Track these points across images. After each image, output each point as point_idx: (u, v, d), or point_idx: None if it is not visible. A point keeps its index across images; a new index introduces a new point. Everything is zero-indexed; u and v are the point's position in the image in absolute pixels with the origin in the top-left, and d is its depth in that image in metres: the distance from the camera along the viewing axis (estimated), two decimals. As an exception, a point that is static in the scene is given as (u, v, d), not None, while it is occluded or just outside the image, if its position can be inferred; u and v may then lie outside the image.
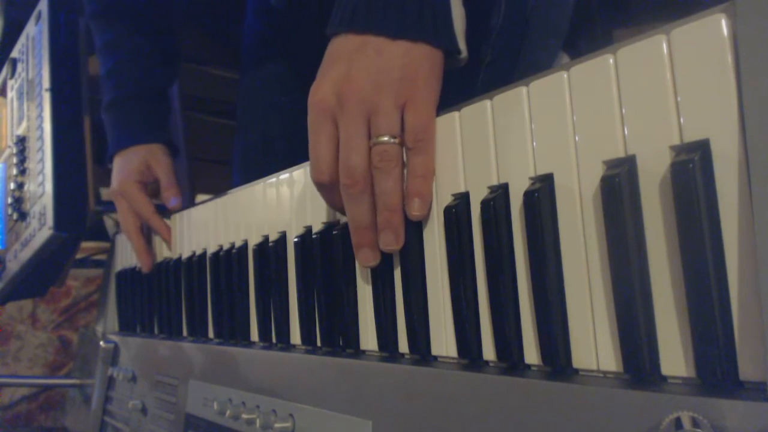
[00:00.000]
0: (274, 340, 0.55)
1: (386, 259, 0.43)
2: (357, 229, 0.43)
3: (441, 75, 0.42)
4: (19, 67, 1.07)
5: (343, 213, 0.43)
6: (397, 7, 0.41)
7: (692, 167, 0.27)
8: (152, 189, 0.83)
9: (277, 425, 0.47)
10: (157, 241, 0.81)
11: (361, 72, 0.41)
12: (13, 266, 0.99)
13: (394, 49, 0.41)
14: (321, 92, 0.42)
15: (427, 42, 0.41)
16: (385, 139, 0.40)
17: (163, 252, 0.80)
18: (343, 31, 0.43)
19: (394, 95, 0.40)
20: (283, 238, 0.55)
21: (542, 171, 0.35)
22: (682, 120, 0.29)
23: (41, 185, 0.91)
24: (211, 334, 0.66)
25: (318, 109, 0.42)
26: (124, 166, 0.82)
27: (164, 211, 0.81)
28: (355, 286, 0.46)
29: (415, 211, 0.40)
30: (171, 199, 0.80)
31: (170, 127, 0.89)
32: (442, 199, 0.40)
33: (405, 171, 0.42)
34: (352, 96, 0.40)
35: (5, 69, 1.12)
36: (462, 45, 0.43)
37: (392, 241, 0.41)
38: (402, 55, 0.41)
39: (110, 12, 0.88)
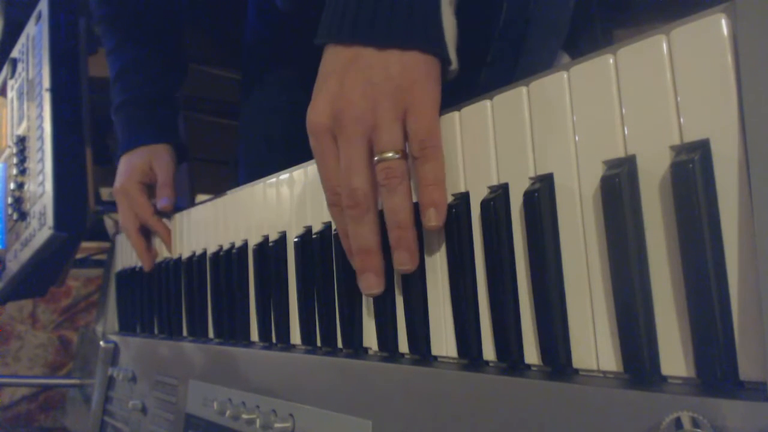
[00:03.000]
0: (274, 340, 0.55)
1: (386, 258, 0.43)
2: (360, 252, 0.41)
3: (439, 79, 0.41)
4: (19, 67, 1.07)
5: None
6: (385, 16, 0.39)
7: (692, 167, 0.27)
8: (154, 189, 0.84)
9: (277, 425, 0.47)
10: (157, 240, 0.81)
11: (355, 87, 0.39)
12: (13, 266, 0.99)
13: (386, 59, 0.39)
14: (317, 113, 0.41)
15: (418, 49, 0.39)
16: (389, 155, 0.39)
17: (163, 252, 0.80)
18: (331, 42, 0.41)
19: (393, 106, 0.39)
20: (283, 238, 0.55)
21: (542, 171, 0.35)
22: (682, 120, 0.29)
23: (41, 185, 0.91)
24: (211, 334, 0.66)
25: (316, 131, 0.41)
26: (128, 166, 0.82)
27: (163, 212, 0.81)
28: (355, 286, 0.46)
29: (432, 222, 0.38)
30: (162, 198, 0.80)
31: (179, 129, 0.89)
32: (442, 199, 0.40)
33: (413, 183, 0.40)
34: (348, 114, 0.39)
35: (5, 69, 1.13)
36: (453, 55, 0.41)
37: (407, 260, 0.39)
38: (395, 63, 0.39)
39: (114, 17, 0.88)
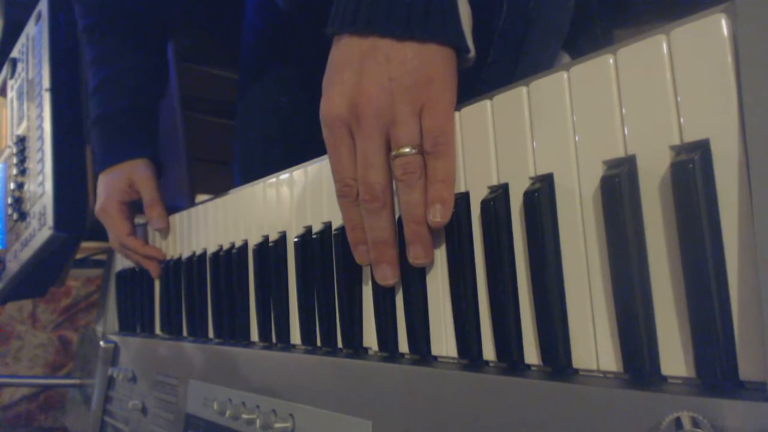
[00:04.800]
0: (274, 340, 0.55)
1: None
2: (377, 245, 0.41)
3: (455, 72, 0.41)
4: (19, 67, 1.07)
5: (361, 229, 0.42)
6: (403, 7, 0.39)
7: (692, 167, 0.27)
8: (138, 205, 0.82)
9: (277, 425, 0.47)
10: (157, 241, 0.81)
11: (373, 81, 0.39)
12: (13, 266, 0.99)
13: (404, 51, 0.39)
14: (333, 105, 0.40)
15: (436, 41, 0.39)
16: (407, 150, 0.39)
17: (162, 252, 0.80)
18: (345, 32, 0.41)
19: (411, 102, 0.39)
20: (283, 238, 0.55)
21: (542, 171, 0.35)
22: (682, 120, 0.29)
23: (41, 185, 0.91)
24: (211, 334, 0.66)
25: (332, 122, 0.41)
26: (108, 185, 0.81)
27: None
28: (355, 286, 0.46)
29: (437, 218, 0.38)
30: (154, 220, 0.78)
31: (157, 143, 0.86)
32: (442, 199, 0.40)
33: None
34: (367, 109, 0.39)
35: (5, 69, 1.13)
36: (470, 44, 0.41)
37: (421, 254, 0.40)
38: (413, 57, 0.39)
39: (101, 27, 0.85)
